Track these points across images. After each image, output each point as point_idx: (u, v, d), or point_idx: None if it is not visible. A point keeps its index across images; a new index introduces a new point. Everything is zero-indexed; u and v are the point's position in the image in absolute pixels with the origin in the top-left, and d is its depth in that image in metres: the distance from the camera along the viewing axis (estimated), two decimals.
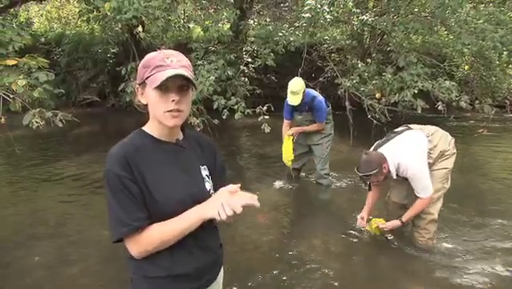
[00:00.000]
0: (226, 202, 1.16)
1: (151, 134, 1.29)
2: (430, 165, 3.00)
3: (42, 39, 9.69)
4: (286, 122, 4.48)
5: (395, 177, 2.94)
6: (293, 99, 4.08)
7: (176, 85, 1.20)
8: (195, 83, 1.22)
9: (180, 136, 1.35)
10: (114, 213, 1.19)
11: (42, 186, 4.69)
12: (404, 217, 3.02)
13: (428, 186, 2.90)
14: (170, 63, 1.19)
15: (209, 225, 1.38)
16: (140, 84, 1.25)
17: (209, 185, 1.35)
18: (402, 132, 3.12)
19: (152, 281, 1.28)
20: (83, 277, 2.86)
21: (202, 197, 1.32)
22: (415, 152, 2.93)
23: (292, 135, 4.34)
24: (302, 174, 4.94)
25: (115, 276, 2.71)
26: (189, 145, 1.36)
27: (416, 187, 2.92)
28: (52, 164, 5.52)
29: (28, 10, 11.12)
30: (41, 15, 11.69)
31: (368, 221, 3.17)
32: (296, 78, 4.20)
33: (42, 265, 3.01)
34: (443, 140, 3.08)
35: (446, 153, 3.05)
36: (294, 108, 4.33)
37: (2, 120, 3.79)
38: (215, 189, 1.37)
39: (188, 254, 1.29)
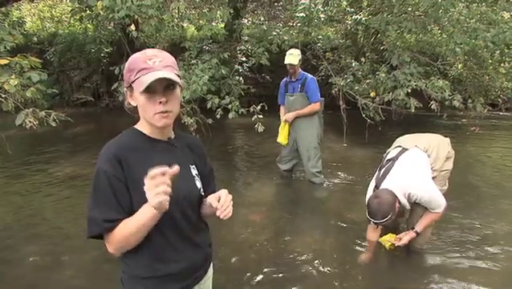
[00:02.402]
0: (150, 188, 1.06)
1: (143, 132, 1.30)
2: (434, 177, 2.90)
3: (35, 39, 9.59)
4: (282, 108, 4.54)
5: (408, 207, 2.80)
6: (290, 58, 4.14)
7: (162, 86, 1.20)
8: (180, 83, 1.21)
9: (172, 135, 1.37)
10: (91, 211, 1.21)
11: (36, 186, 4.65)
12: (419, 227, 2.86)
13: (441, 202, 2.77)
14: (153, 64, 1.19)
15: (198, 224, 1.40)
16: (127, 88, 1.25)
17: (199, 184, 1.38)
18: (398, 156, 2.93)
19: (142, 281, 1.30)
20: (77, 278, 2.84)
21: (194, 194, 1.35)
22: (422, 177, 2.79)
23: (287, 121, 4.36)
24: (298, 174, 4.95)
25: (109, 276, 2.69)
26: (180, 145, 1.37)
27: (430, 206, 2.79)
28: (46, 164, 5.48)
29: (20, 9, 11.01)
30: (33, 14, 11.59)
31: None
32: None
33: (35, 266, 2.99)
34: (441, 147, 3.00)
35: (447, 157, 3.01)
36: (286, 90, 4.40)
37: None
38: (204, 190, 1.39)
39: (177, 253, 1.31)
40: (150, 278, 1.28)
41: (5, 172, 5.25)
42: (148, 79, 1.15)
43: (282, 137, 4.45)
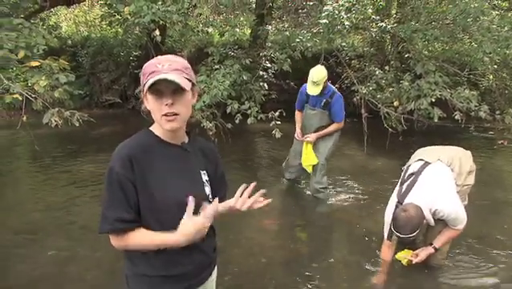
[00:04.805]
0: (196, 228, 1.24)
1: (157, 134, 1.34)
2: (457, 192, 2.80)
3: (69, 42, 10.01)
4: (298, 112, 4.32)
5: (433, 223, 2.68)
6: (313, 90, 3.82)
7: (170, 89, 1.23)
8: (184, 87, 1.23)
9: (186, 140, 1.40)
10: (105, 208, 1.26)
11: (61, 183, 4.84)
12: (437, 243, 2.79)
13: (464, 219, 2.69)
14: (162, 68, 1.23)
15: None
16: (142, 91, 1.29)
17: (208, 190, 1.40)
18: (422, 170, 2.81)
19: (145, 279, 1.34)
20: (93, 272, 2.95)
21: (201, 200, 1.35)
22: (448, 193, 2.70)
23: (311, 142, 4.12)
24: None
25: (123, 274, 2.78)
26: (193, 149, 1.40)
27: (454, 223, 2.70)
28: (72, 162, 5.69)
29: (57, 14, 11.55)
30: (69, 19, 12.13)
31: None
32: (319, 66, 3.94)
33: (54, 259, 3.12)
34: (463, 160, 2.89)
35: (469, 171, 2.91)
36: (306, 101, 4.13)
37: (24, 118, 3.99)
38: (213, 196, 1.41)
39: (181, 256, 1.33)
40: (154, 277, 1.32)
41: (32, 168, 5.51)
42: (152, 80, 1.20)
43: (309, 158, 4.20)
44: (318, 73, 3.80)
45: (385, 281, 2.87)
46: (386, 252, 2.91)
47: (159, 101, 1.24)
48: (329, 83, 4.05)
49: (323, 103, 4.01)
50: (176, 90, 1.24)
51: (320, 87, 3.82)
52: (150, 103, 1.26)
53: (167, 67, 1.23)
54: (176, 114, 1.25)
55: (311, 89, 3.84)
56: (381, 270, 2.93)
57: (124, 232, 1.26)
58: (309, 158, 4.19)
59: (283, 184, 4.71)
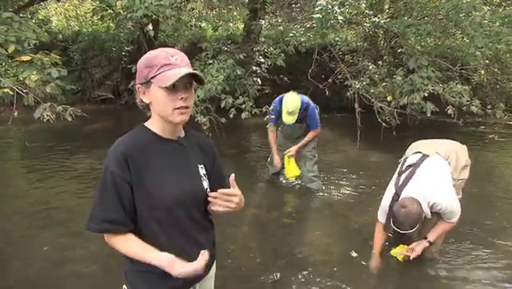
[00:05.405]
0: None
1: (153, 131, 1.32)
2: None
3: (60, 36, 9.88)
4: (271, 134, 4.33)
5: (430, 216, 2.68)
6: (289, 119, 3.92)
7: (184, 83, 1.23)
8: (204, 80, 1.25)
9: (182, 134, 1.38)
10: (94, 207, 1.27)
11: (54, 179, 4.80)
12: (431, 237, 2.80)
13: (459, 211, 2.71)
14: (176, 61, 1.22)
15: (203, 223, 1.42)
16: (142, 84, 1.27)
17: (206, 184, 1.39)
18: (420, 163, 2.83)
19: (144, 275, 1.33)
20: (89, 268, 2.94)
21: (199, 194, 1.36)
22: (446, 187, 2.72)
23: (292, 156, 4.22)
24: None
25: (119, 269, 2.77)
26: (189, 144, 1.39)
27: (448, 216, 2.72)
28: (65, 158, 5.65)
29: (47, 8, 11.37)
30: (59, 13, 11.94)
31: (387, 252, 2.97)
32: (291, 94, 4.02)
33: (46, 256, 3.10)
34: (460, 155, 2.92)
35: (465, 165, 2.94)
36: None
37: (15, 113, 3.94)
38: (211, 190, 1.38)
39: (179, 251, 1.31)
40: (151, 273, 1.30)
41: (25, 164, 5.44)
42: (174, 73, 1.19)
43: (292, 170, 4.29)
44: (293, 103, 3.90)
45: (380, 263, 2.91)
46: (378, 235, 2.96)
47: (172, 95, 1.22)
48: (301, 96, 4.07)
49: (300, 119, 4.09)
50: (187, 84, 1.24)
51: (296, 116, 3.92)
52: (159, 96, 1.23)
53: (180, 61, 1.23)
54: (187, 107, 1.26)
55: (288, 119, 3.93)
56: (375, 253, 2.96)
57: (112, 233, 1.26)
58: (292, 170, 4.30)
59: (266, 174, 4.76)
